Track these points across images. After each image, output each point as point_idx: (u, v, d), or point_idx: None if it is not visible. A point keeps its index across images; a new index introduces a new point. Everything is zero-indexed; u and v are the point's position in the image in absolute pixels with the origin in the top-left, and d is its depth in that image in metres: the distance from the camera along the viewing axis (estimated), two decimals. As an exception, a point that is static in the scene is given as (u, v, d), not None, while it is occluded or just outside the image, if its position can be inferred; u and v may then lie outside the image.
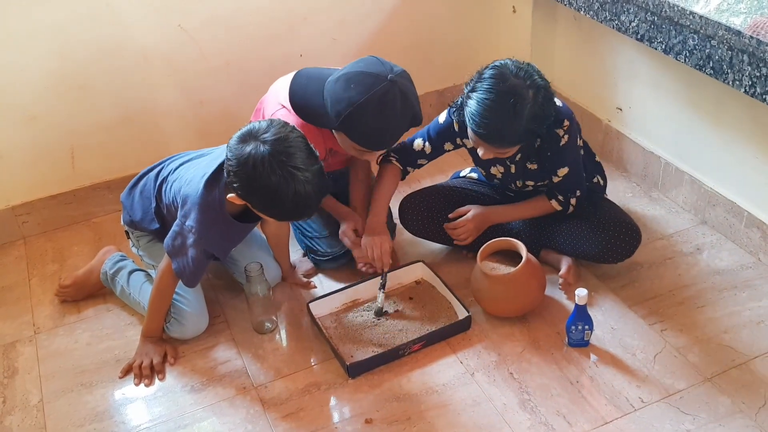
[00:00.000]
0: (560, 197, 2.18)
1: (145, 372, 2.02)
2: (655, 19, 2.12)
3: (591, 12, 2.37)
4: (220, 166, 1.87)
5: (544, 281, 2.11)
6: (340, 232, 2.27)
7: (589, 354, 2.00)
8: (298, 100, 2.10)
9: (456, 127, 2.17)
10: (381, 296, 2.15)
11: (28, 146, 2.49)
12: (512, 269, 2.06)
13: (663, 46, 2.13)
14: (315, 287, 2.29)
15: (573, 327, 1.98)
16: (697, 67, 2.03)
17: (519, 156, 2.13)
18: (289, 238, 2.31)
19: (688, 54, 2.05)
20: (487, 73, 1.91)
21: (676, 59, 2.10)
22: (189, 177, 1.96)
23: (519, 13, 2.96)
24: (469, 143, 2.16)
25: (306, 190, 1.77)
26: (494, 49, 3.04)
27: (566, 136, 2.05)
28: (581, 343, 2.01)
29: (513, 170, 2.19)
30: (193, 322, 2.11)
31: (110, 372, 2.06)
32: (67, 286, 2.29)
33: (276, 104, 2.17)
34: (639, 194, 2.60)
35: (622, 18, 2.24)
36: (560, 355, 2.00)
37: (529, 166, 2.16)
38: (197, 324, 2.12)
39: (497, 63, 1.93)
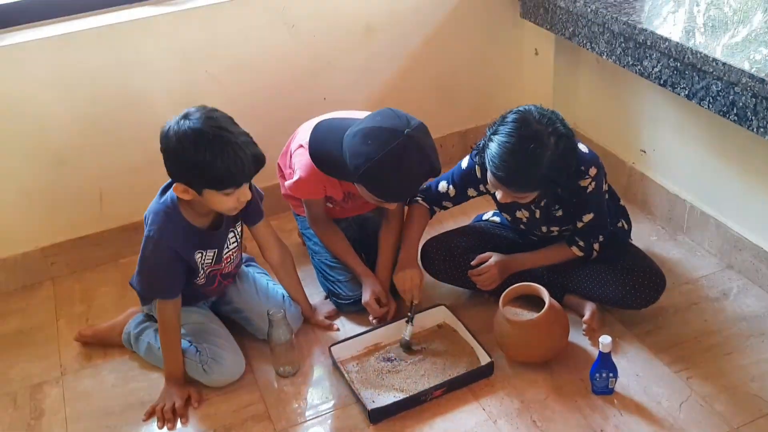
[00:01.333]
0: (581, 243, 2.17)
1: (167, 415, 2.03)
2: (678, 65, 2.12)
3: (613, 57, 2.37)
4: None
5: (567, 327, 2.10)
6: (363, 301, 2.27)
7: (614, 402, 1.97)
8: (318, 153, 2.14)
9: (478, 173, 2.18)
10: (409, 329, 2.16)
11: (58, 188, 2.54)
12: (535, 315, 2.05)
13: (686, 92, 2.13)
14: (338, 329, 2.30)
15: (597, 375, 1.97)
16: (721, 113, 2.03)
17: (544, 202, 2.13)
18: (296, 269, 2.29)
19: (711, 100, 2.05)
20: (510, 117, 1.92)
21: (700, 105, 2.10)
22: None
23: (541, 56, 2.98)
24: (492, 188, 2.17)
25: (237, 145, 1.82)
26: (517, 91, 3.07)
27: (593, 183, 2.05)
28: (606, 391, 1.99)
29: (538, 215, 2.19)
30: (231, 361, 2.11)
31: (135, 415, 2.07)
32: (87, 336, 2.31)
33: (298, 145, 2.23)
34: (664, 237, 2.58)
35: (645, 63, 2.25)
36: (584, 402, 1.98)
37: (555, 212, 2.16)
38: (236, 363, 2.12)
39: (521, 108, 1.94)
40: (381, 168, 1.98)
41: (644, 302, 2.13)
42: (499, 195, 2.00)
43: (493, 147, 1.91)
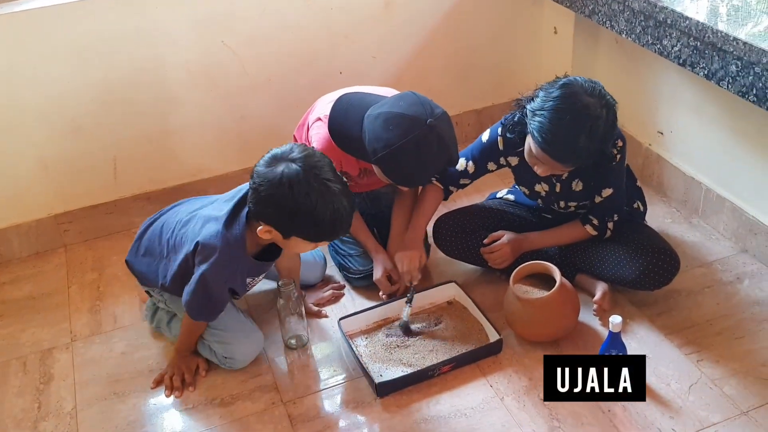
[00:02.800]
0: (596, 221, 2.15)
1: (176, 384, 2.04)
2: (698, 44, 2.09)
3: (633, 35, 2.34)
4: (239, 204, 1.87)
5: (577, 306, 2.09)
6: (374, 278, 2.27)
7: (622, 382, 1.97)
8: (337, 127, 2.12)
9: (501, 145, 2.16)
10: (407, 311, 2.15)
11: (72, 156, 2.55)
12: (545, 293, 2.04)
13: (705, 72, 2.10)
14: (326, 316, 2.28)
15: (606, 354, 1.95)
16: (740, 93, 2.00)
17: (566, 174, 2.12)
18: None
19: (730, 80, 2.02)
20: (558, 90, 1.89)
21: (719, 85, 2.07)
22: (204, 219, 1.92)
23: (560, 35, 2.95)
24: (513, 161, 2.16)
25: (342, 203, 1.77)
26: (535, 70, 3.04)
27: (618, 156, 2.05)
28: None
29: (558, 189, 2.18)
30: (244, 352, 2.09)
31: (143, 382, 2.09)
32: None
33: (316, 118, 2.21)
34: (679, 220, 2.56)
35: (665, 42, 2.22)
36: (592, 382, 1.97)
37: (574, 186, 2.14)
38: (249, 351, 2.10)
39: (567, 80, 1.92)
40: (399, 155, 1.97)
41: (658, 283, 2.11)
42: (539, 170, 1.98)
43: (543, 122, 1.87)
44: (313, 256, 2.34)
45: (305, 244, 1.86)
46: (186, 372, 2.06)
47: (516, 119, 2.04)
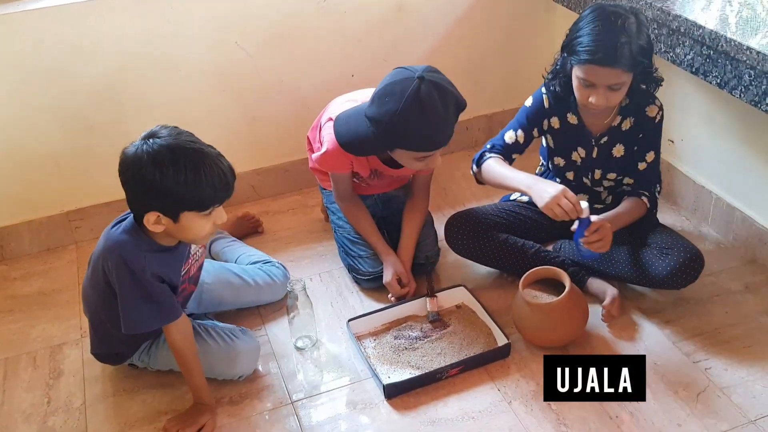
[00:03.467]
0: (647, 193, 2.19)
1: None
2: (711, 52, 2.10)
3: (646, 43, 2.35)
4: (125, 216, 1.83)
5: (586, 312, 2.09)
6: (384, 281, 2.28)
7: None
8: (344, 138, 2.13)
9: (546, 104, 2.21)
10: (430, 304, 2.17)
11: (85, 153, 2.57)
12: (555, 298, 2.04)
13: (718, 81, 2.10)
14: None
15: (581, 239, 2.01)
16: (753, 103, 2.00)
17: (605, 138, 2.15)
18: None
19: (743, 89, 2.02)
20: (585, 13, 2.01)
21: (731, 94, 2.07)
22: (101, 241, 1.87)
23: (573, 42, 2.95)
24: (555, 123, 2.21)
25: (213, 160, 1.71)
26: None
27: (660, 113, 2.12)
28: (593, 255, 2.05)
29: (595, 154, 2.19)
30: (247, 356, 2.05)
31: (151, 379, 2.09)
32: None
33: (328, 118, 2.23)
34: (688, 228, 2.56)
35: (677, 51, 2.22)
36: (600, 388, 1.98)
37: (615, 152, 2.17)
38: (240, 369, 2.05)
39: (591, 5, 2.04)
40: (407, 117, 1.96)
41: (686, 282, 2.11)
42: (594, 98, 2.00)
43: (580, 39, 1.96)
44: (272, 276, 2.29)
45: (198, 219, 1.75)
46: (188, 427, 1.91)
47: (558, 66, 2.12)
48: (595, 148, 2.19)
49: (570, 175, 2.27)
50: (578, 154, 2.22)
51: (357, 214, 2.36)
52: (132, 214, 1.81)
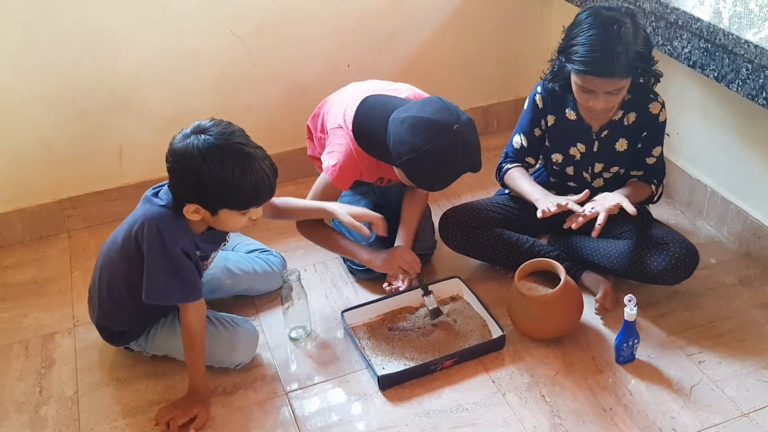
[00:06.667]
0: (655, 181, 2.21)
1: (162, 427, 1.91)
2: (709, 46, 2.09)
3: (643, 36, 2.34)
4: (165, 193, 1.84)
5: (581, 305, 2.09)
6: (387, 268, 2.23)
7: (624, 381, 1.97)
8: (361, 129, 2.12)
9: (541, 104, 2.22)
10: (430, 299, 2.16)
11: (78, 142, 2.55)
12: (549, 290, 2.04)
13: (715, 74, 2.10)
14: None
15: (624, 345, 1.98)
16: (750, 96, 2.00)
17: (606, 132, 2.15)
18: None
19: (740, 83, 2.02)
20: (581, 17, 1.99)
21: (728, 88, 2.07)
22: (138, 213, 1.87)
23: (569, 33, 2.94)
24: (551, 120, 2.22)
25: (260, 164, 1.75)
26: (543, 69, 3.03)
27: (664, 111, 2.14)
28: (630, 358, 2.01)
29: (596, 148, 2.19)
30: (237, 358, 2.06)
31: (145, 369, 2.08)
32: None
33: (336, 121, 2.19)
34: (683, 222, 2.56)
35: (675, 44, 2.22)
36: (594, 380, 1.98)
37: (618, 147, 2.17)
38: (240, 357, 2.06)
39: (587, 8, 2.02)
40: (424, 160, 1.96)
41: (681, 277, 2.11)
42: (594, 102, 2.01)
43: (578, 48, 1.95)
44: (270, 265, 2.29)
45: (235, 216, 1.82)
46: (178, 418, 1.90)
47: (555, 69, 2.11)
48: (596, 142, 2.19)
49: (570, 170, 2.27)
50: (577, 150, 2.22)
51: (327, 232, 2.27)
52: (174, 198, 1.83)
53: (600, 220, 2.00)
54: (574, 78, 2.03)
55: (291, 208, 2.16)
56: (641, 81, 2.08)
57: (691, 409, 1.89)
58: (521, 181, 2.24)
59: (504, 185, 2.35)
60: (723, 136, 2.40)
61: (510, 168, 2.29)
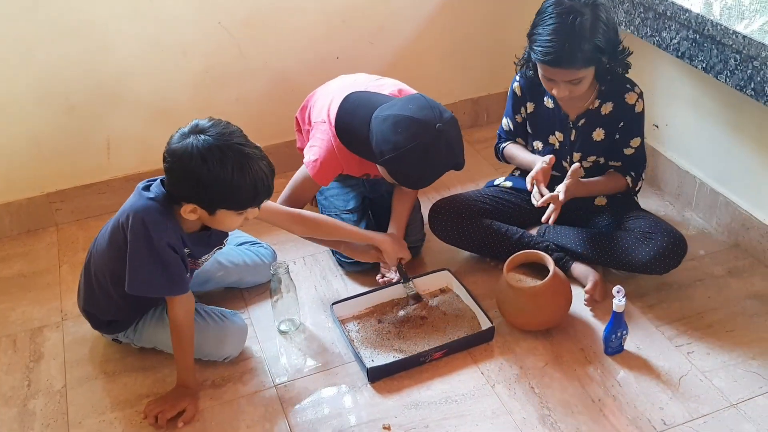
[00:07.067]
0: (633, 173, 2.22)
1: (150, 421, 1.90)
2: (697, 37, 2.09)
3: (632, 27, 2.34)
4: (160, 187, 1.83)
5: (570, 296, 2.09)
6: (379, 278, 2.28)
7: (613, 373, 1.97)
8: (343, 126, 2.11)
9: (519, 91, 2.25)
10: (410, 285, 2.18)
11: (66, 135, 2.53)
12: (538, 282, 2.04)
13: (704, 65, 2.10)
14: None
15: (613, 336, 1.98)
16: (738, 87, 2.00)
17: (583, 121, 2.16)
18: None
19: (729, 74, 2.02)
20: (546, 4, 2.00)
21: (717, 78, 2.07)
22: (129, 203, 1.86)
23: (559, 25, 2.94)
24: (530, 107, 2.24)
25: (259, 165, 1.74)
26: (532, 60, 3.03)
27: (640, 102, 2.14)
28: (619, 350, 2.02)
29: (573, 137, 2.20)
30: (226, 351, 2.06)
31: (133, 362, 2.08)
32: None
33: (320, 115, 2.19)
34: (672, 213, 2.56)
35: (663, 35, 2.22)
36: (583, 371, 1.98)
37: (596, 136, 2.18)
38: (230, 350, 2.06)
39: None
40: (407, 158, 1.96)
41: (669, 267, 2.12)
42: (556, 91, 2.03)
43: (538, 38, 1.97)
44: (260, 257, 2.28)
45: (233, 216, 1.81)
46: (167, 412, 1.89)
47: (526, 55, 2.14)
48: (573, 131, 2.19)
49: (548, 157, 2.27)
50: (556, 138, 2.23)
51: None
52: (170, 196, 1.81)
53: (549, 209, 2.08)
54: (538, 66, 2.05)
55: (328, 227, 2.19)
56: (608, 69, 2.07)
57: (679, 399, 1.89)
58: (519, 153, 2.33)
59: (507, 162, 2.42)
60: (712, 127, 2.40)
61: (506, 145, 2.37)
